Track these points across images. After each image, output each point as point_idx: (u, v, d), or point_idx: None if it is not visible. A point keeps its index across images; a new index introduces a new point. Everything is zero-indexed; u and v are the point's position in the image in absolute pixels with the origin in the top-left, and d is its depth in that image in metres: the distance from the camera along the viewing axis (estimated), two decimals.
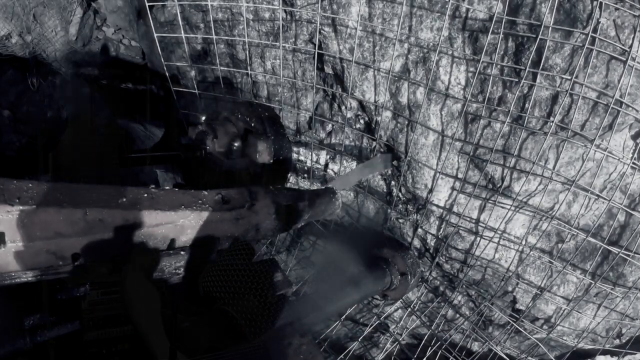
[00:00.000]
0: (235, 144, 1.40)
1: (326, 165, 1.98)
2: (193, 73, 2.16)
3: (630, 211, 1.49)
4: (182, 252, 1.28)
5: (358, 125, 1.87)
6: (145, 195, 1.25)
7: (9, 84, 2.60)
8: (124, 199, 1.20)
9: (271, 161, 1.43)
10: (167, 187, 1.35)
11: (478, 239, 1.69)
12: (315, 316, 1.59)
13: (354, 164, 1.91)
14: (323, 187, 1.79)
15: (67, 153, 2.92)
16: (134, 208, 1.20)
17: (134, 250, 1.16)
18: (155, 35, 1.94)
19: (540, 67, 1.34)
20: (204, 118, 1.46)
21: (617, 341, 1.83)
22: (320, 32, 1.72)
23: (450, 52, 1.52)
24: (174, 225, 1.27)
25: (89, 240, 1.14)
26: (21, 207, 1.04)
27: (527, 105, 1.42)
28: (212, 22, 1.99)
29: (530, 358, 1.84)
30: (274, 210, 1.48)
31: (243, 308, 1.22)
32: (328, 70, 1.81)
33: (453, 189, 1.69)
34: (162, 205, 1.26)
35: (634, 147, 1.54)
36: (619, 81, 1.29)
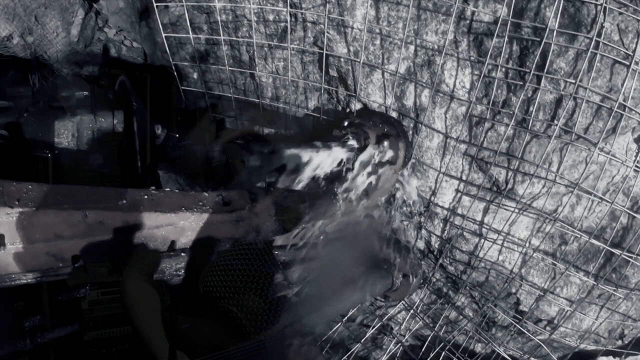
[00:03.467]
0: (385, 143, 1.64)
1: None
2: (196, 75, 2.16)
3: (633, 214, 1.50)
4: (182, 254, 1.27)
5: None
6: (146, 197, 1.25)
7: (11, 85, 2.60)
8: (124, 201, 1.20)
9: (404, 155, 1.72)
10: (168, 189, 1.35)
11: (482, 240, 1.69)
12: (316, 317, 1.59)
13: None
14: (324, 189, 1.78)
15: (67, 153, 2.92)
16: (134, 210, 1.20)
17: (134, 253, 1.16)
18: (164, 35, 1.94)
19: (545, 70, 1.35)
20: (346, 123, 1.71)
21: (619, 342, 1.84)
22: (325, 35, 1.72)
23: (455, 55, 1.52)
24: (174, 227, 1.27)
25: (89, 242, 1.14)
26: (21, 209, 1.04)
27: (531, 108, 1.42)
28: (219, 23, 1.99)
29: (533, 359, 1.84)
30: (274, 212, 1.48)
31: (245, 306, 1.24)
32: (333, 73, 1.81)
33: (457, 191, 1.69)
34: (162, 207, 1.26)
35: (637, 150, 1.54)
36: (622, 85, 1.30)
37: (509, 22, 1.34)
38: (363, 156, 1.63)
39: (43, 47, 2.56)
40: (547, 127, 1.44)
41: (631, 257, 1.46)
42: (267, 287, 1.36)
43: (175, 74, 2.12)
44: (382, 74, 1.68)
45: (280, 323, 1.36)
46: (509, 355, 1.83)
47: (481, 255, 1.71)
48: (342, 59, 1.74)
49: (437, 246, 1.84)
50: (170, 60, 2.04)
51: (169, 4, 2.20)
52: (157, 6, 2.01)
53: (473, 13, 1.46)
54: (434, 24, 1.54)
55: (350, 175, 1.65)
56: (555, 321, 1.74)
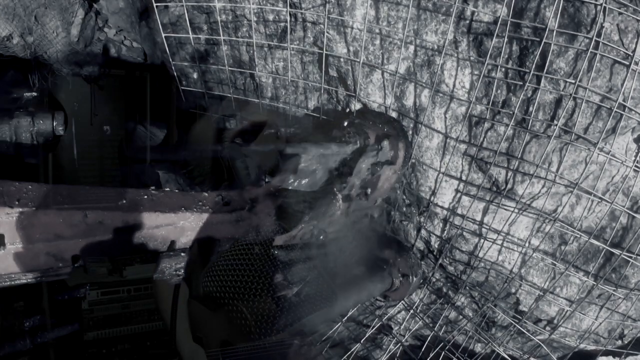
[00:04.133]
0: (385, 143, 1.64)
1: None
2: (196, 75, 2.16)
3: (633, 213, 1.50)
4: (182, 254, 1.27)
5: None
6: (146, 197, 1.25)
7: (10, 85, 2.60)
8: (124, 201, 1.21)
9: (404, 155, 1.73)
10: (168, 189, 1.36)
11: (482, 240, 1.69)
12: (316, 317, 1.59)
13: None
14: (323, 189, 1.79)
15: (68, 153, 2.92)
16: (134, 210, 1.21)
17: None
18: (164, 35, 1.94)
19: (545, 70, 1.35)
20: (346, 123, 1.71)
21: (619, 342, 1.85)
22: (325, 35, 1.72)
23: (455, 55, 1.52)
24: (174, 226, 1.28)
25: (88, 242, 1.14)
26: (21, 209, 1.04)
27: (531, 108, 1.42)
28: (219, 23, 1.99)
29: (532, 359, 1.84)
30: (274, 212, 1.48)
31: (256, 308, 1.25)
32: (332, 73, 1.81)
33: (457, 191, 1.69)
34: (162, 206, 1.26)
35: (636, 150, 1.55)
36: (622, 85, 1.30)
37: (509, 22, 1.34)
38: (363, 156, 1.64)
39: (43, 47, 2.56)
40: (546, 127, 1.44)
41: (631, 257, 1.46)
42: (267, 287, 1.36)
43: (175, 74, 2.12)
44: (382, 74, 1.68)
45: (280, 325, 1.36)
46: (509, 355, 1.83)
47: (481, 255, 1.71)
48: (341, 59, 1.74)
49: (436, 246, 1.84)
50: (170, 60, 2.04)
51: (169, 4, 2.20)
52: (157, 6, 2.01)
53: (473, 13, 1.46)
54: (433, 24, 1.54)
55: (349, 176, 1.66)
56: (555, 321, 1.73)
